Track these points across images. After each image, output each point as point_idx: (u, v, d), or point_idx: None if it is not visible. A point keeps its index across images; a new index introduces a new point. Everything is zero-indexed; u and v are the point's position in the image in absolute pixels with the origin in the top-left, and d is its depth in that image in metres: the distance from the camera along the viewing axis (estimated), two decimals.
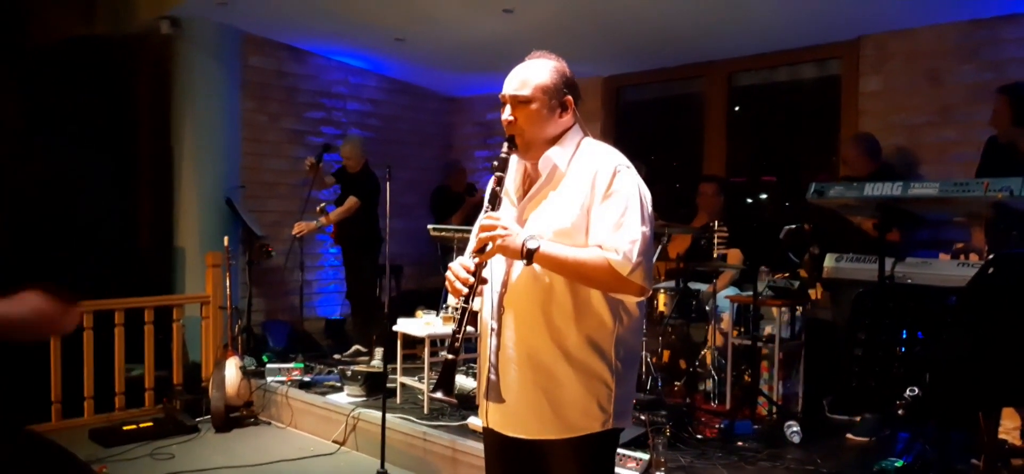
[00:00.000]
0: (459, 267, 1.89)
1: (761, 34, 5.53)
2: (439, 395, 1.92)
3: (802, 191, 4.15)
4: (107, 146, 6.23)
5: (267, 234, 6.35)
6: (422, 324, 4.69)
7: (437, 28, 5.88)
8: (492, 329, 2.01)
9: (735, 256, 5.03)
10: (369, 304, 6.23)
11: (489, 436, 2.10)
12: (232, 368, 5.05)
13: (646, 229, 1.89)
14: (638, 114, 7.19)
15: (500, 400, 1.99)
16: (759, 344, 4.49)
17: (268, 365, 5.53)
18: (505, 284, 1.98)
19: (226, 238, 5.38)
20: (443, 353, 2.00)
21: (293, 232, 6.15)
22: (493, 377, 2.00)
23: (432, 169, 7.94)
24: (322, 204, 6.11)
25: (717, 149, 6.25)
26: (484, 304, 2.05)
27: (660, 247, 4.99)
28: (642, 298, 1.92)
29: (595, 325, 1.92)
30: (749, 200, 6.23)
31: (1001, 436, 3.35)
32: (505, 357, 1.98)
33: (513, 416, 1.98)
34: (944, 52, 5.04)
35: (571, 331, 1.91)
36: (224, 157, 6.28)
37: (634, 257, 1.83)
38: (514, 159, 2.02)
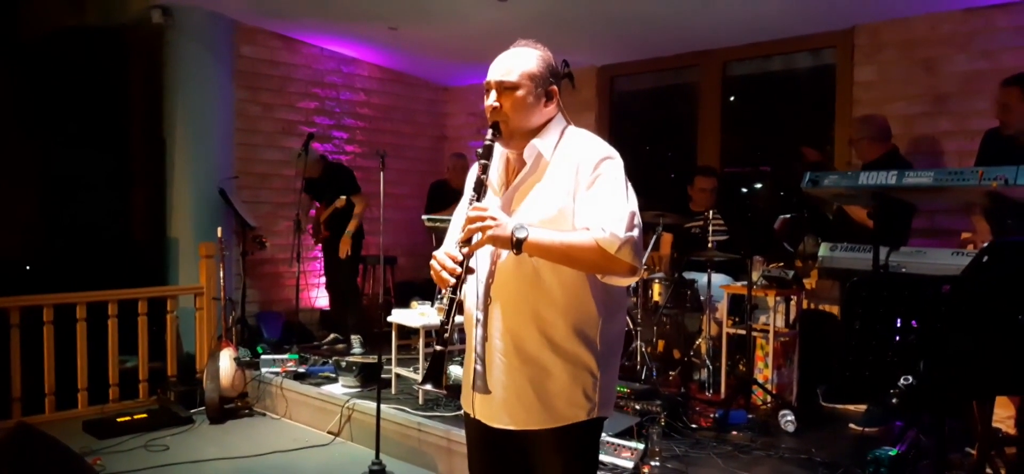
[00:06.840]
0: (445, 256, 1.85)
1: (755, 23, 5.52)
2: (428, 386, 1.90)
3: (796, 181, 4.13)
4: (99, 137, 6.20)
5: (260, 225, 6.33)
6: (417, 315, 4.68)
7: (431, 17, 5.85)
8: (478, 320, 1.98)
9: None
10: (352, 293, 6.26)
11: (472, 425, 2.07)
12: (226, 359, 5.04)
13: (633, 208, 1.86)
14: (632, 104, 7.18)
15: (486, 391, 1.97)
16: (754, 334, 4.50)
17: (262, 356, 5.54)
18: (491, 274, 1.95)
19: (219, 229, 5.35)
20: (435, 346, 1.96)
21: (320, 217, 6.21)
22: (479, 368, 1.99)
23: (425, 159, 7.91)
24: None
25: (711, 139, 6.25)
26: (470, 294, 2.02)
27: (654, 238, 4.98)
28: (633, 278, 1.88)
29: (581, 314, 1.90)
30: (744, 190, 6.23)
31: (995, 424, 3.37)
32: (491, 347, 1.96)
33: (499, 407, 1.96)
34: (938, 41, 5.04)
35: (558, 321, 1.89)
36: (217, 147, 6.25)
37: (622, 233, 1.79)
38: (497, 148, 1.98)
